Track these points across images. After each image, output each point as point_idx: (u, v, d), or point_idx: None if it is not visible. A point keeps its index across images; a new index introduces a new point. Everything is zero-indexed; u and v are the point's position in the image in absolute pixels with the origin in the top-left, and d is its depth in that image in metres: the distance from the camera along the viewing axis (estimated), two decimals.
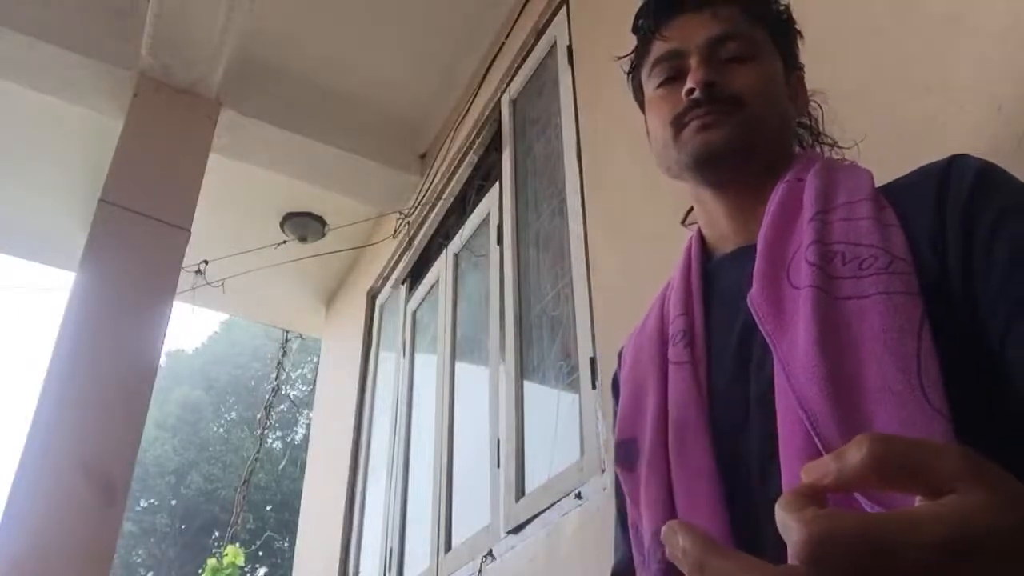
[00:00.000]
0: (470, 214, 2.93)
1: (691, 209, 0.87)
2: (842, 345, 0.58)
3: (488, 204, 2.79)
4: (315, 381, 4.76)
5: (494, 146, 2.86)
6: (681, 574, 0.32)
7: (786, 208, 0.71)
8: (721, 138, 0.74)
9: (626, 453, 0.73)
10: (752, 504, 0.61)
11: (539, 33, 2.61)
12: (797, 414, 0.57)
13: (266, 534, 15.62)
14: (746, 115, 0.75)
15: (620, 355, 0.88)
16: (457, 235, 3.01)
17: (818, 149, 0.85)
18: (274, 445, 16.22)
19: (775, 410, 0.60)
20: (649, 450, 0.69)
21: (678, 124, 0.77)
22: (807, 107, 0.86)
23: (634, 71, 0.88)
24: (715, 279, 0.77)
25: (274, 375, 5.72)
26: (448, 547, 2.43)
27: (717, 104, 0.75)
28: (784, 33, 0.84)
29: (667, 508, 0.66)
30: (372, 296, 3.84)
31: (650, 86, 0.83)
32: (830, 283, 0.61)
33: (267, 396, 5.95)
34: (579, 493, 1.74)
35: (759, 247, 0.69)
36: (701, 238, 0.83)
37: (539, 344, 2.24)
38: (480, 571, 2.11)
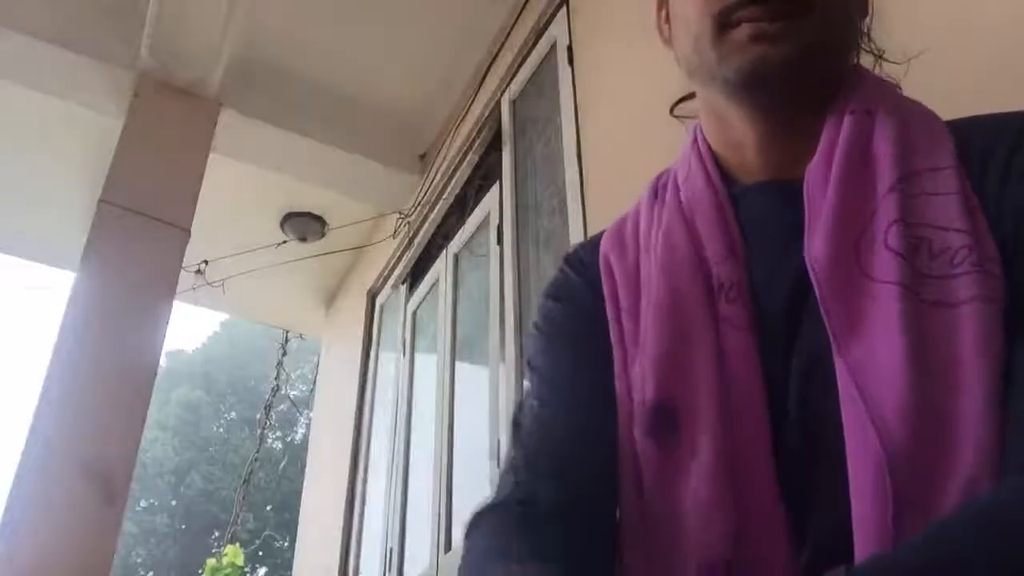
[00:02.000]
0: (470, 214, 2.93)
1: (686, 97, 0.73)
2: (933, 367, 0.47)
3: (488, 204, 2.79)
4: (315, 381, 4.76)
5: (494, 146, 2.86)
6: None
7: (856, 157, 0.57)
8: (780, 55, 0.59)
9: (663, 420, 0.57)
10: (803, 501, 0.53)
11: (539, 33, 2.61)
12: (870, 445, 0.47)
13: (265, 533, 15.62)
14: (814, 24, 0.59)
15: (599, 250, 0.70)
16: (457, 235, 3.01)
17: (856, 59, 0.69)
18: (274, 445, 16.22)
19: (820, 408, 0.51)
20: (711, 425, 0.54)
21: (725, 20, 0.60)
22: (869, 9, 0.68)
23: None
24: (739, 211, 0.63)
25: (274, 375, 5.71)
26: (448, 547, 2.43)
27: (781, 4, 0.59)
28: None
29: (729, 494, 0.52)
30: (372, 296, 3.84)
31: None
32: (917, 281, 0.50)
33: (267, 396, 5.95)
34: None
35: (828, 204, 0.56)
36: (712, 153, 0.67)
37: None
38: None
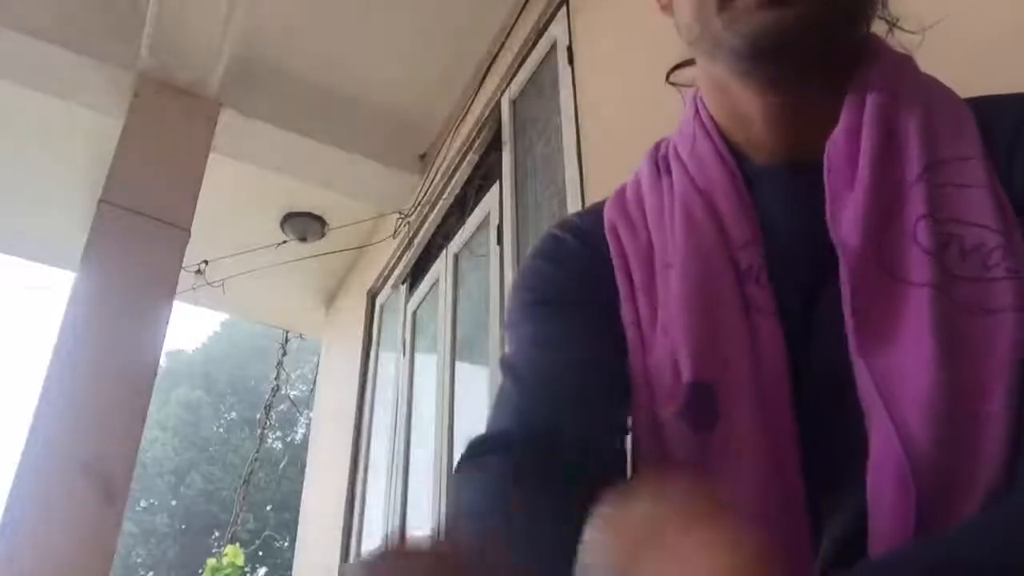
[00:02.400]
0: (470, 214, 2.93)
1: (683, 64, 0.68)
2: (963, 372, 0.45)
3: (488, 204, 2.79)
4: (315, 381, 4.76)
5: (494, 146, 2.86)
6: None
7: (882, 142, 0.54)
8: (789, 20, 0.53)
9: (701, 405, 0.53)
10: (821, 496, 0.52)
11: (539, 33, 2.61)
12: (893, 451, 0.45)
13: (265, 534, 15.63)
14: None
15: (600, 219, 0.66)
16: (457, 235, 3.01)
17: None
18: (274, 445, 16.22)
19: (837, 406, 0.50)
20: (750, 410, 0.51)
21: None
22: None
23: None
24: (753, 194, 0.60)
25: (274, 375, 5.71)
26: None
27: None
28: None
29: (772, 490, 0.50)
30: (372, 296, 3.84)
31: None
32: (948, 282, 0.47)
33: (267, 396, 5.95)
34: None
35: (855, 195, 0.52)
36: (716, 126, 0.63)
37: None
38: None
